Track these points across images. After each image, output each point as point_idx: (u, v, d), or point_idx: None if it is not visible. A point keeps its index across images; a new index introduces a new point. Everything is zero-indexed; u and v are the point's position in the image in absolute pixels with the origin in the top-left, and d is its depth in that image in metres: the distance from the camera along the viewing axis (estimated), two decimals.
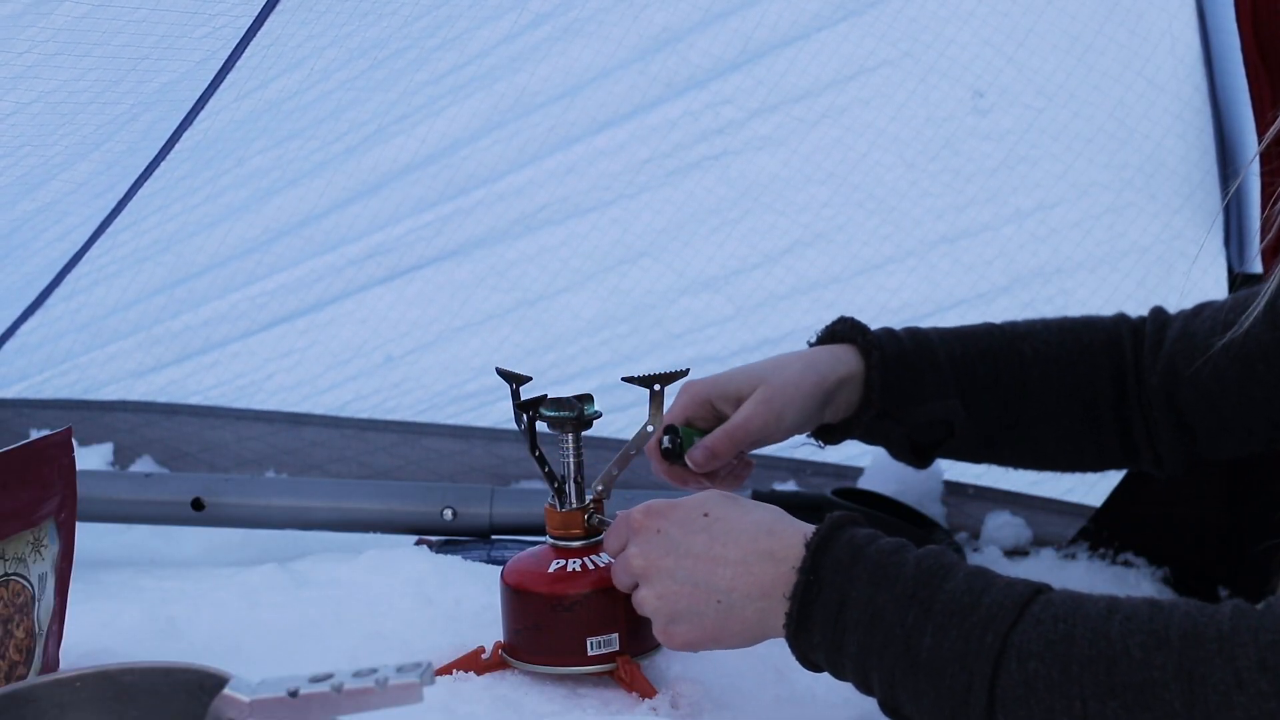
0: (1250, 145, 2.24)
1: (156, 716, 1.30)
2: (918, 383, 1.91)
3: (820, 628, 1.45)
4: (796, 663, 1.50)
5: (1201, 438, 1.91)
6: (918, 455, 1.97)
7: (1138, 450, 1.95)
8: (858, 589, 1.43)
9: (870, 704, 1.47)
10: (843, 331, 1.93)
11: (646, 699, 1.62)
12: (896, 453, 1.98)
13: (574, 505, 1.68)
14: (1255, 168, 2.17)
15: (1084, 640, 1.33)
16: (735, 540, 1.50)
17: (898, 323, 1.99)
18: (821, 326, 1.99)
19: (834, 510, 2.21)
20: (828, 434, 1.96)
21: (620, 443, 1.72)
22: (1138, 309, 2.01)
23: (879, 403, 1.90)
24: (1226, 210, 2.33)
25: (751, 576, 1.49)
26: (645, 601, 1.55)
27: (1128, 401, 1.93)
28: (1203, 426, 1.90)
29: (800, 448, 2.01)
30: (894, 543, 1.46)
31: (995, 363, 1.94)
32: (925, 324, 1.99)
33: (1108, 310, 2.03)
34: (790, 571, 1.47)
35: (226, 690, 1.22)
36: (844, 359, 1.90)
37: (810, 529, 1.49)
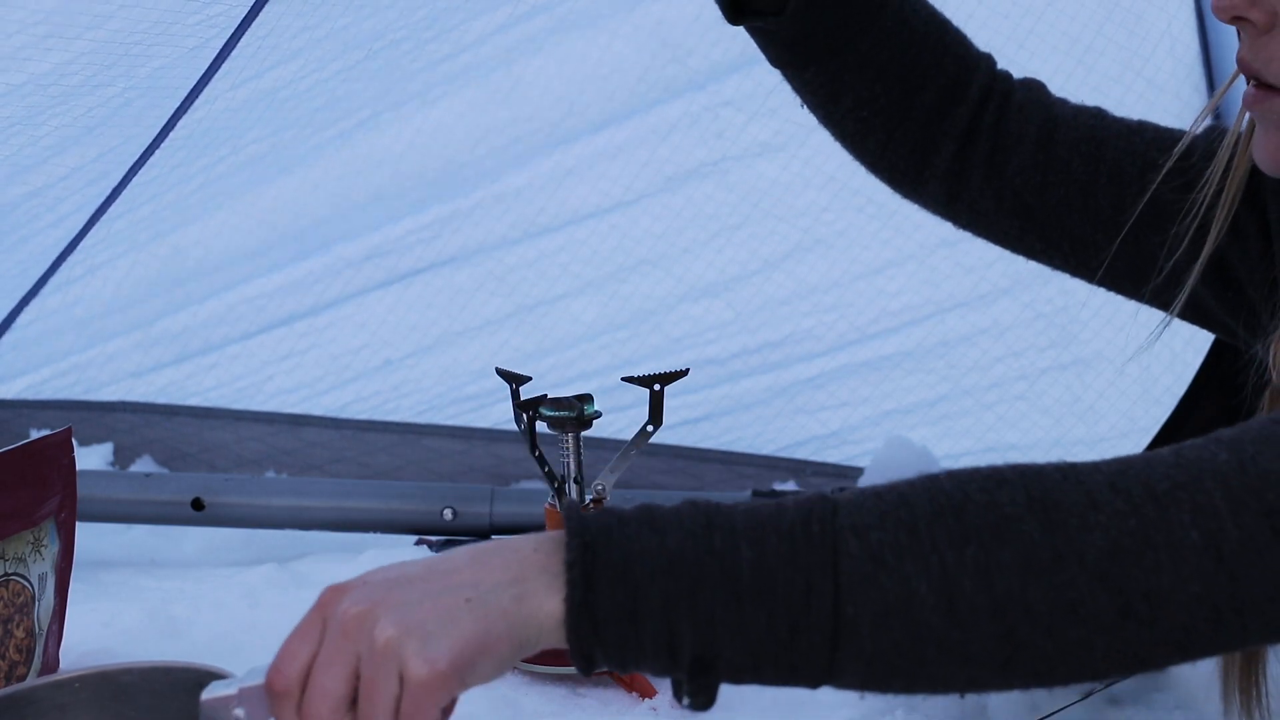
0: None
1: (156, 716, 1.30)
2: None
3: (607, 597, 1.21)
4: None
5: (1006, 198, 1.73)
6: (737, 12, 1.72)
7: (937, 147, 1.74)
8: (638, 543, 1.21)
9: (871, 704, 1.47)
10: None
11: (646, 699, 1.62)
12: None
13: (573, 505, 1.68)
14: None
15: (920, 501, 1.20)
16: (455, 555, 1.27)
17: (898, 324, 1.99)
18: (821, 327, 1.97)
19: None
20: None
21: (620, 443, 1.73)
22: (1138, 308, 2.01)
23: None
24: None
25: (492, 569, 1.24)
26: (384, 637, 1.23)
27: (955, 110, 1.73)
28: (1013, 185, 1.72)
29: (801, 446, 2.01)
30: (643, 505, 1.25)
31: None
32: (925, 325, 1.99)
33: (1110, 310, 2.03)
34: (536, 554, 1.24)
35: (211, 687, 1.20)
36: None
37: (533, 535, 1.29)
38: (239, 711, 1.20)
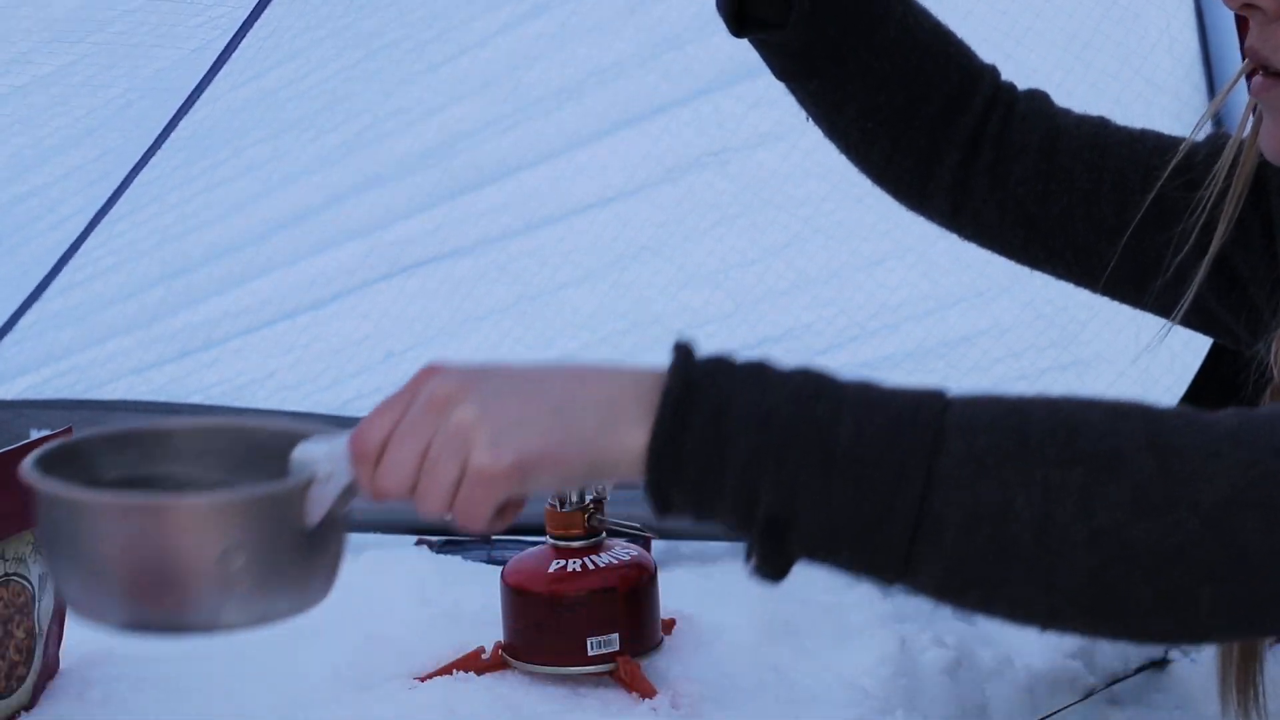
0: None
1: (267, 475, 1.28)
2: None
3: (696, 436, 1.19)
4: (796, 663, 1.50)
5: (1010, 208, 1.72)
6: (740, 24, 1.68)
7: (941, 157, 1.73)
8: (742, 390, 1.19)
9: (871, 705, 1.47)
10: None
11: (646, 699, 1.62)
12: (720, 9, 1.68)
13: (574, 505, 1.68)
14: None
15: (1039, 414, 1.17)
16: (559, 365, 1.27)
17: (897, 320, 1.98)
18: (820, 321, 1.96)
19: None
20: None
21: None
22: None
23: None
24: None
25: (591, 386, 1.23)
26: (459, 419, 1.23)
27: (959, 119, 1.72)
28: (1017, 194, 1.71)
29: None
30: (760, 359, 1.23)
31: None
32: (925, 324, 1.98)
33: (1111, 311, 2.02)
34: (635, 385, 1.22)
35: (303, 446, 1.22)
36: None
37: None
38: (325, 469, 1.22)
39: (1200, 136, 1.61)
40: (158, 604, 1.23)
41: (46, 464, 1.24)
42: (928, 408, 1.18)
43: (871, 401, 1.19)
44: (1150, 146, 1.68)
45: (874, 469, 1.16)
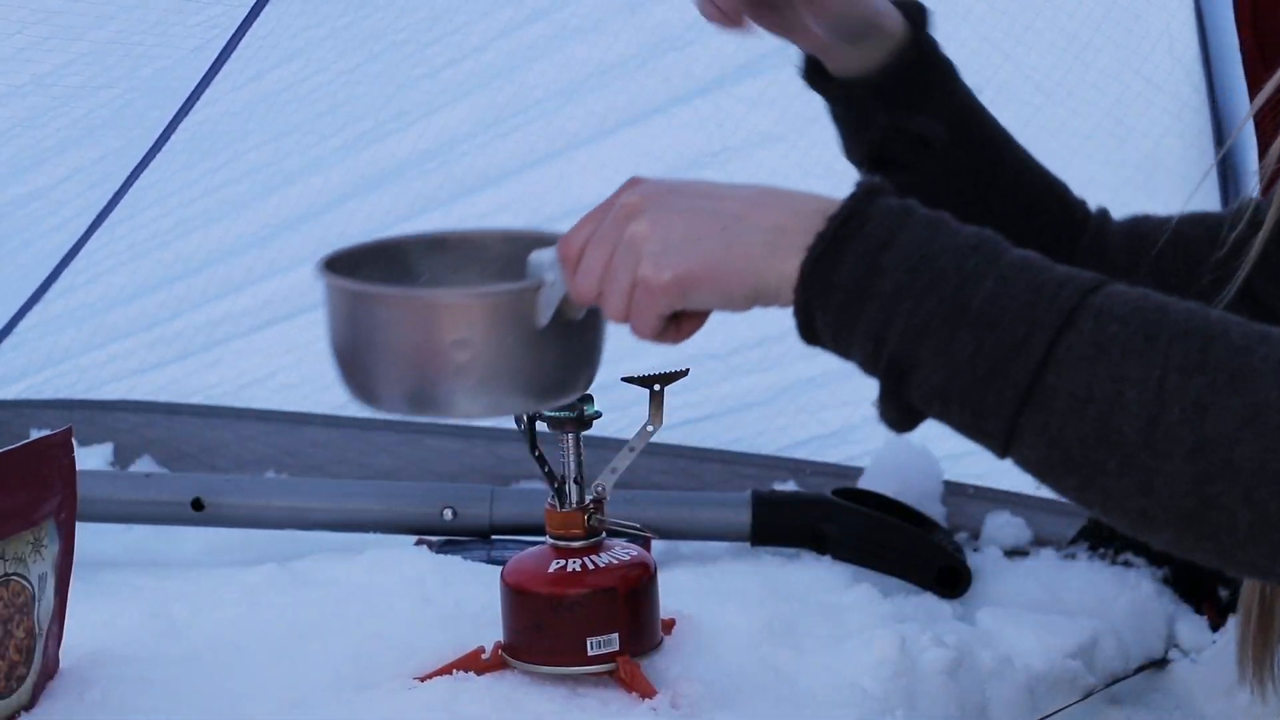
0: (1250, 145, 2.24)
1: (504, 274, 1.42)
2: (926, 87, 1.72)
3: (850, 262, 1.23)
4: (796, 663, 1.50)
5: None
6: (875, 162, 1.75)
7: None
8: (909, 232, 1.22)
9: (871, 705, 1.47)
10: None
11: (646, 699, 1.62)
12: (851, 147, 1.78)
13: (574, 505, 1.68)
14: (1255, 168, 2.17)
15: (1179, 316, 1.17)
16: (744, 186, 1.31)
17: None
18: None
19: (834, 511, 2.21)
20: (818, 74, 1.75)
21: (620, 443, 1.72)
22: None
23: (887, 78, 1.70)
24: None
25: (766, 210, 1.28)
26: (635, 232, 1.31)
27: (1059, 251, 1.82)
28: None
29: (801, 446, 2.00)
30: (941, 212, 1.26)
31: (991, 132, 1.78)
32: None
33: None
34: (812, 214, 1.25)
35: (536, 252, 1.35)
36: (893, 15, 1.69)
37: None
38: (550, 275, 1.34)
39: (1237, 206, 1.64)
40: (401, 386, 1.36)
41: (335, 265, 1.38)
42: (1075, 286, 1.18)
43: (1024, 267, 1.20)
44: (1210, 222, 1.70)
45: (1000, 330, 1.17)
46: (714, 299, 1.30)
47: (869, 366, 1.24)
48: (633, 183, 1.33)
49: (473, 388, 1.35)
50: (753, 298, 1.29)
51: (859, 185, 1.25)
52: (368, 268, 1.43)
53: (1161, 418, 1.15)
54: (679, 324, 1.33)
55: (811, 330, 1.26)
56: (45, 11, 2.09)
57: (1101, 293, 1.18)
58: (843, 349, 1.25)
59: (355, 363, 1.36)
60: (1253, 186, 1.59)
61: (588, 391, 1.53)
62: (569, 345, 1.39)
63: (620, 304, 1.32)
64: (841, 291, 1.23)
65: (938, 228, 1.23)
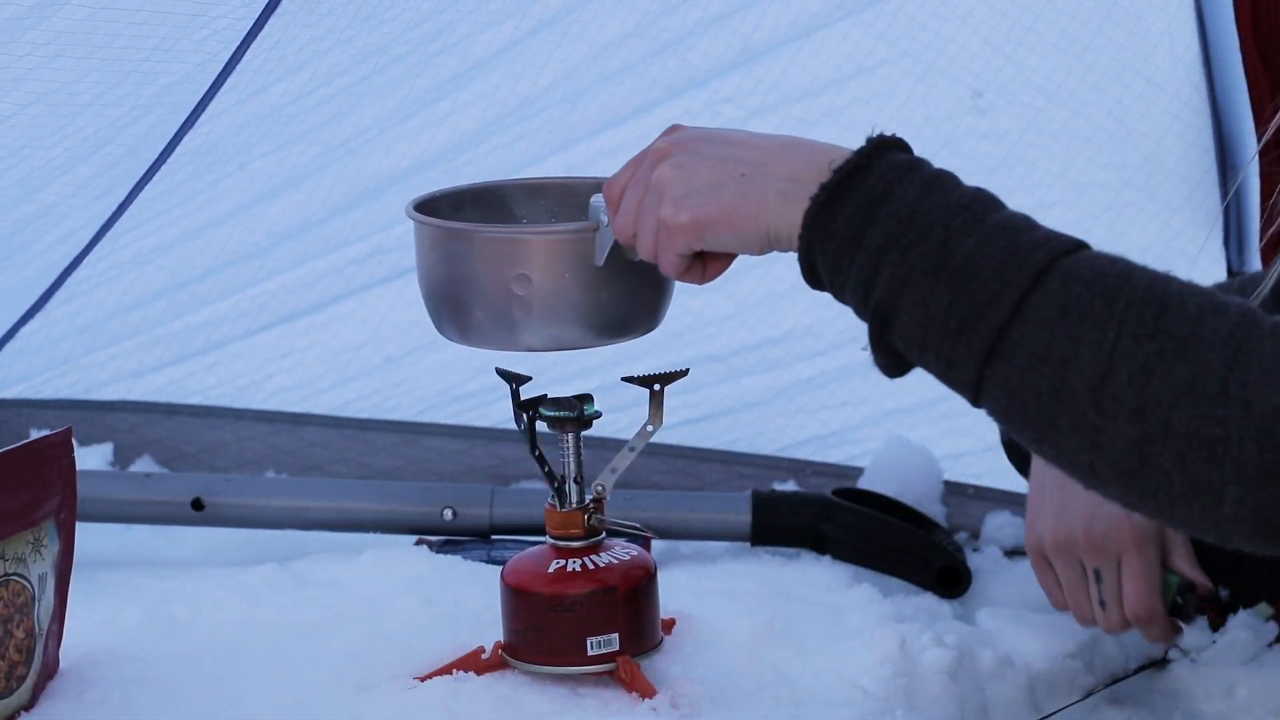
0: (1250, 145, 2.24)
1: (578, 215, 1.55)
2: None
3: (849, 211, 1.31)
4: (796, 663, 1.49)
5: None
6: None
7: None
8: (907, 188, 1.30)
9: (871, 705, 1.47)
10: None
11: (646, 699, 1.62)
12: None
13: (574, 505, 1.68)
14: (1255, 167, 2.17)
15: (1141, 284, 1.23)
16: (769, 136, 1.40)
17: None
18: (820, 324, 1.96)
19: (834, 511, 2.22)
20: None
21: (620, 443, 1.72)
22: None
23: None
24: (1226, 210, 2.33)
25: (784, 159, 1.36)
26: (659, 176, 1.41)
27: None
28: None
29: (801, 446, 2.00)
30: (946, 171, 1.34)
31: None
32: None
33: None
34: (826, 164, 1.34)
35: (597, 196, 1.48)
36: None
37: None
38: (604, 217, 1.47)
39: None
40: (470, 316, 1.52)
41: (438, 203, 1.56)
42: (1051, 248, 1.26)
43: (1008, 227, 1.27)
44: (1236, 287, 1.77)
45: (974, 285, 1.25)
46: (730, 241, 1.40)
47: (860, 312, 1.33)
48: (672, 129, 1.43)
49: (534, 321, 1.48)
50: (765, 242, 1.39)
51: (869, 140, 1.33)
52: (468, 209, 1.58)
53: (1110, 379, 1.20)
54: (705, 264, 1.44)
55: (814, 275, 1.36)
56: (53, 31, 2.09)
57: (1074, 256, 1.25)
58: (839, 294, 1.34)
59: (433, 294, 1.55)
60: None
61: (651, 330, 1.64)
62: (629, 284, 1.50)
63: (650, 243, 1.42)
64: (838, 239, 1.31)
65: (936, 184, 1.30)
